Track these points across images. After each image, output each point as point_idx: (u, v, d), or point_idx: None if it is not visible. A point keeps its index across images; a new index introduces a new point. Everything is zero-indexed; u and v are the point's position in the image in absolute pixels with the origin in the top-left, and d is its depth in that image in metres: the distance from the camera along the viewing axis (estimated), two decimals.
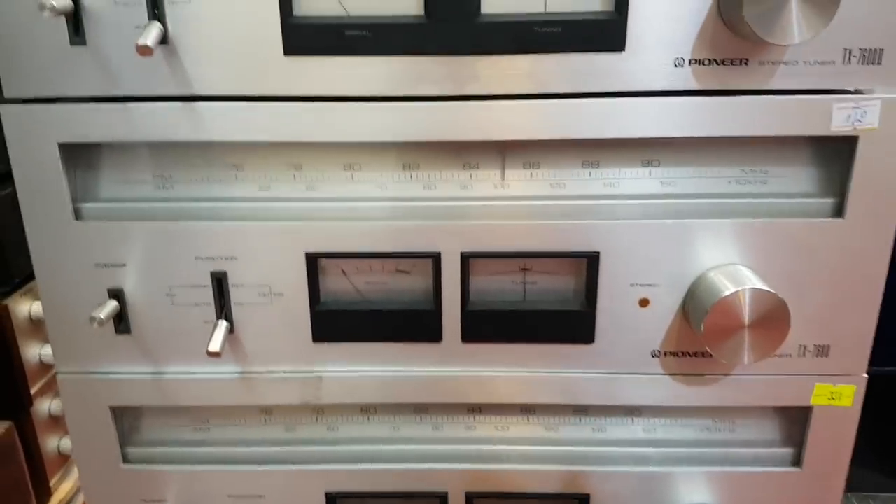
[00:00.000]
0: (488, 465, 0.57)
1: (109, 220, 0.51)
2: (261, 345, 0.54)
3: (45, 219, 0.50)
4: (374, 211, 0.52)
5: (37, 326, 1.06)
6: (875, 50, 0.46)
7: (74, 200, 0.51)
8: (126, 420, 0.57)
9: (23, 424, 1.05)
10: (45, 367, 1.08)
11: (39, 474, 1.03)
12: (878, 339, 0.53)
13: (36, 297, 1.06)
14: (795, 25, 0.42)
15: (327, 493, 0.57)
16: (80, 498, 1.07)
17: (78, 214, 0.51)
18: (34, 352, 1.07)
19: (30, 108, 0.48)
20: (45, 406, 1.10)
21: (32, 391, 1.06)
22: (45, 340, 1.09)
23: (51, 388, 1.10)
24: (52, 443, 1.06)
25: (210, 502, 0.57)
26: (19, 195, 0.50)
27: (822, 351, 0.53)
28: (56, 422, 1.12)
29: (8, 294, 1.02)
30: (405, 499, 0.58)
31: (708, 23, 0.45)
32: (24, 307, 1.05)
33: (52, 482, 1.04)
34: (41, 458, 1.03)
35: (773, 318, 0.47)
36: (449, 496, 0.57)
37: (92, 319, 0.49)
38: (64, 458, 1.07)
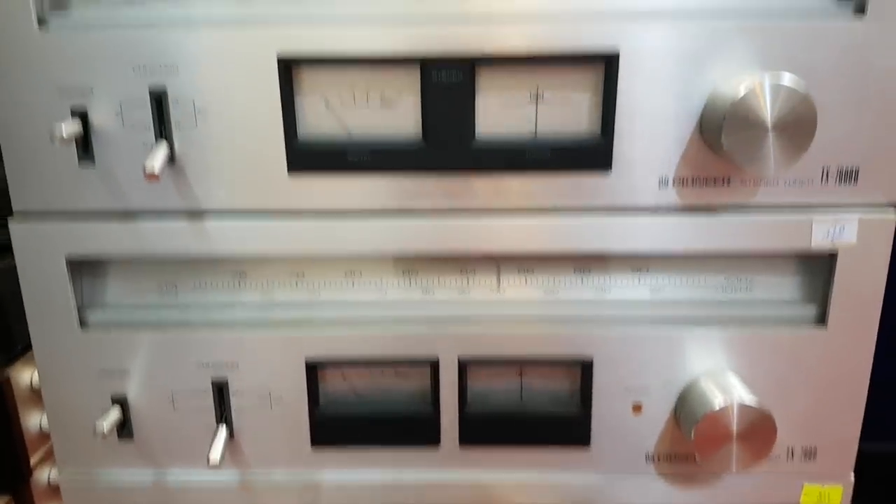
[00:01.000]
0: None
1: (114, 328, 0.53)
2: (260, 449, 0.55)
3: (50, 329, 0.52)
4: (373, 317, 0.53)
5: (38, 395, 1.07)
6: (852, 168, 0.48)
7: (80, 309, 0.52)
8: None
9: (22, 497, 1.05)
10: (45, 435, 1.08)
11: None
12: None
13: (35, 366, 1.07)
14: (772, 157, 0.44)
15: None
16: None
17: (83, 323, 0.52)
18: (35, 420, 1.07)
19: (38, 224, 0.50)
20: (44, 475, 1.10)
21: (32, 461, 1.06)
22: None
23: (50, 457, 1.10)
24: None
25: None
26: (26, 306, 0.52)
27: (809, 453, 0.54)
28: (55, 491, 1.11)
29: (10, 363, 1.03)
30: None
31: (691, 144, 0.48)
32: (26, 375, 1.05)
33: None
34: None
35: (759, 430, 0.48)
36: None
37: (95, 431, 0.50)
38: None
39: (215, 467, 0.50)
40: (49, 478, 1.10)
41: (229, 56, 0.46)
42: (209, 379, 0.53)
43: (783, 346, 0.52)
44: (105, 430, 0.50)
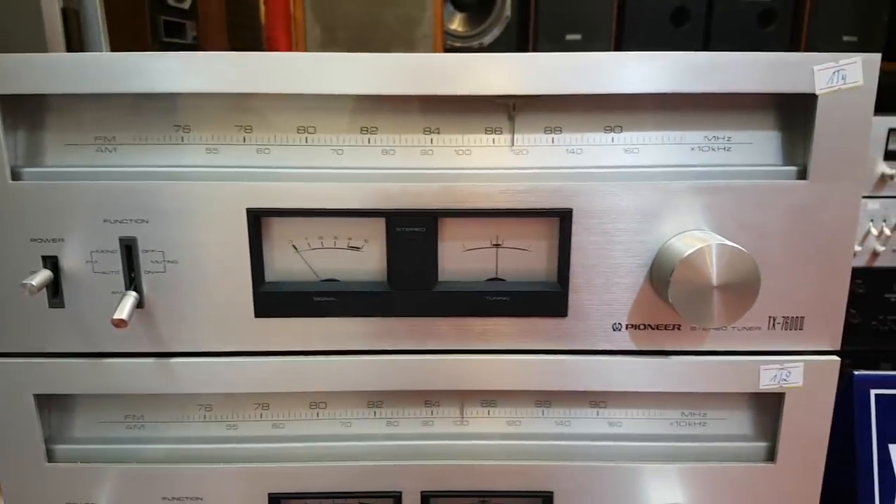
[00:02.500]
0: None
1: (81, 461, 0.53)
2: None
3: (17, 462, 0.52)
4: (337, 449, 0.54)
5: None
6: (797, 317, 0.50)
7: (47, 442, 0.53)
8: None
9: None
10: None
11: None
12: None
13: None
14: (716, 313, 0.46)
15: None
16: None
17: (50, 457, 0.53)
18: None
19: (6, 361, 0.51)
20: None
21: None
22: None
23: None
24: None
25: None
26: None
27: None
28: None
29: None
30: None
31: (642, 294, 0.50)
32: None
33: None
34: None
35: None
36: None
37: None
38: None
39: None
40: None
41: (199, 207, 0.48)
42: None
43: (735, 479, 0.53)
44: None
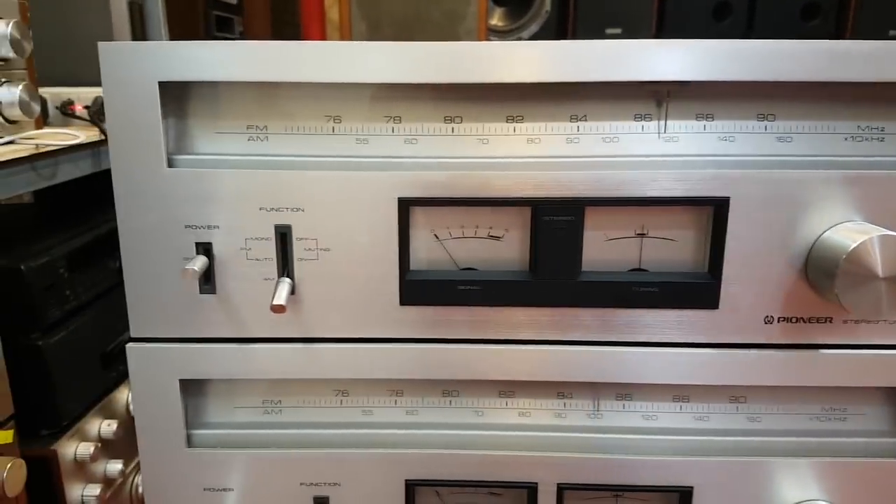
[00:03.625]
0: None
1: (219, 447, 0.54)
2: None
3: (159, 446, 0.53)
4: (470, 438, 0.54)
5: (80, 467, 1.08)
6: None
7: (187, 427, 0.53)
8: None
9: None
10: None
11: None
12: None
13: (83, 438, 1.08)
14: (885, 305, 0.46)
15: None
16: None
17: (190, 442, 0.53)
18: (76, 493, 1.08)
19: (155, 347, 0.51)
20: None
21: None
22: (88, 481, 1.10)
23: None
24: None
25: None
26: (137, 424, 0.53)
27: None
28: None
29: (56, 437, 1.04)
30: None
31: (795, 286, 0.49)
32: (71, 449, 1.07)
33: None
34: None
35: None
36: None
37: None
38: None
39: None
40: None
41: (351, 196, 0.48)
42: (310, 499, 0.54)
43: (875, 477, 0.52)
44: None
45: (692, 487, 0.53)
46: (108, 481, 1.10)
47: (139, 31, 1.54)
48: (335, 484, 0.54)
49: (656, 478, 0.53)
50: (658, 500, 0.55)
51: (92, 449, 1.07)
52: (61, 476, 1.04)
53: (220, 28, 1.88)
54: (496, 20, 2.07)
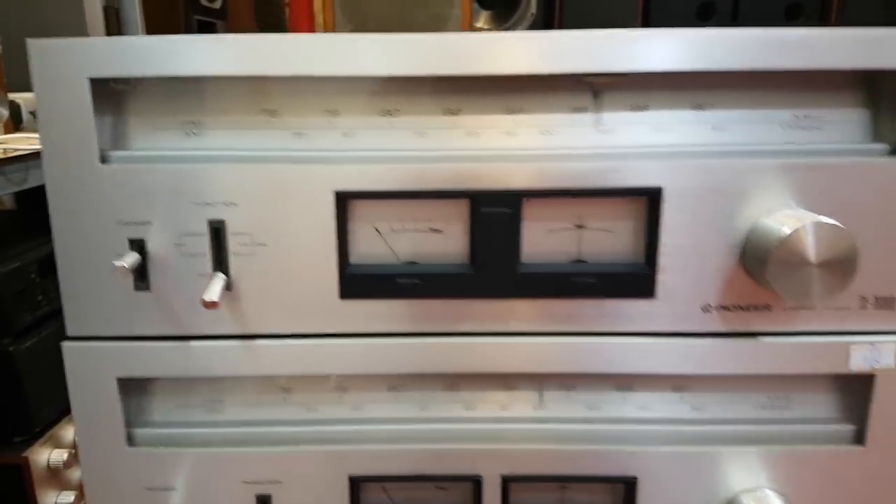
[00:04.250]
0: None
1: (160, 446, 0.53)
2: None
3: (99, 446, 0.53)
4: (416, 433, 0.54)
5: (54, 474, 1.07)
6: (889, 297, 0.49)
7: (128, 426, 0.53)
8: None
9: None
10: None
11: None
12: None
13: (56, 445, 1.07)
14: (815, 290, 0.46)
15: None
16: None
17: (131, 440, 0.53)
18: (50, 500, 1.07)
19: (91, 345, 0.51)
20: None
21: None
22: (62, 488, 1.10)
23: None
24: None
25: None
26: (75, 422, 0.52)
27: None
28: None
29: (28, 444, 1.04)
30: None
31: (732, 274, 0.49)
32: (43, 456, 1.06)
33: None
34: None
35: None
36: None
37: None
38: None
39: None
40: None
41: (287, 190, 0.48)
42: (253, 497, 0.53)
43: (821, 463, 0.52)
44: None
45: (636, 477, 0.53)
46: (82, 488, 1.10)
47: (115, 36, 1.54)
48: (277, 482, 0.53)
49: (600, 468, 0.53)
50: (604, 491, 0.55)
51: (65, 455, 1.06)
52: (33, 483, 1.03)
53: (203, 32, 1.88)
54: (482, 23, 2.08)
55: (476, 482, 0.53)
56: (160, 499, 0.53)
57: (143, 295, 0.50)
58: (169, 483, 0.53)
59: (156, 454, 0.53)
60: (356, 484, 0.54)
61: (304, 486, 0.53)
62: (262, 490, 0.53)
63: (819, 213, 0.46)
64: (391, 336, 0.51)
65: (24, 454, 1.02)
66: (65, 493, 1.09)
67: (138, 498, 0.53)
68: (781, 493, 0.52)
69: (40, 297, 1.06)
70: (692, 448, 0.53)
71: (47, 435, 1.07)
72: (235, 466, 0.53)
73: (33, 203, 1.28)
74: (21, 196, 1.08)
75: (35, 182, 1.07)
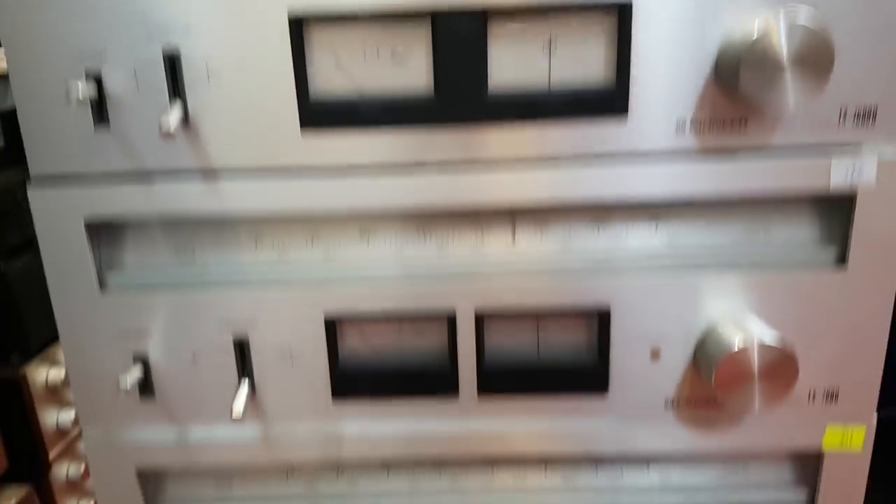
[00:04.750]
0: None
1: (133, 290, 0.53)
2: (281, 404, 0.55)
3: (70, 292, 0.52)
4: (389, 274, 0.53)
5: (53, 393, 1.08)
6: (869, 109, 0.48)
7: (99, 273, 0.53)
8: (150, 482, 0.59)
9: (42, 489, 1.06)
10: (61, 432, 1.09)
11: None
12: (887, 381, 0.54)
13: (52, 364, 1.08)
14: (790, 94, 0.44)
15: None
16: None
17: (103, 286, 0.53)
18: (51, 418, 1.08)
19: (56, 189, 0.50)
20: (63, 471, 1.11)
21: (51, 455, 1.07)
22: (62, 406, 1.10)
23: (68, 454, 1.11)
24: None
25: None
26: (46, 270, 0.52)
27: (832, 395, 0.53)
28: (75, 486, 1.12)
29: (26, 362, 1.04)
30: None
31: (707, 87, 0.47)
32: (42, 374, 1.06)
33: None
34: None
35: (781, 368, 0.48)
36: None
37: (120, 388, 0.50)
38: None
39: (238, 420, 0.51)
40: (68, 473, 1.10)
41: (240, 15, 0.46)
42: (230, 337, 0.53)
43: (802, 288, 0.51)
44: (128, 386, 0.51)
45: (609, 307, 0.52)
46: None
47: None
48: (253, 322, 0.53)
49: (574, 300, 0.52)
50: (578, 326, 0.54)
51: (64, 374, 1.06)
52: (32, 400, 1.04)
53: None
54: None
55: (450, 318, 0.53)
56: (135, 341, 0.53)
57: (103, 132, 0.49)
58: (144, 326, 0.53)
59: (129, 298, 0.53)
60: (332, 324, 0.53)
61: (281, 327, 0.53)
62: (238, 330, 0.53)
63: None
64: (357, 170, 0.50)
65: (21, 371, 1.02)
66: (66, 410, 1.10)
67: (113, 341, 0.54)
68: (762, 319, 0.51)
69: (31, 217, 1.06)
70: (668, 278, 0.52)
71: (44, 353, 1.07)
72: (209, 308, 0.53)
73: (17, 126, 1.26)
74: (4, 117, 1.07)
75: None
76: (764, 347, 0.48)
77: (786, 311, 0.52)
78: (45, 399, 1.08)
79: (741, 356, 0.48)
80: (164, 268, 0.54)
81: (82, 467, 1.09)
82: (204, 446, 0.56)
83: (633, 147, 0.49)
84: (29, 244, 1.02)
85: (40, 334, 1.05)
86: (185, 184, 0.50)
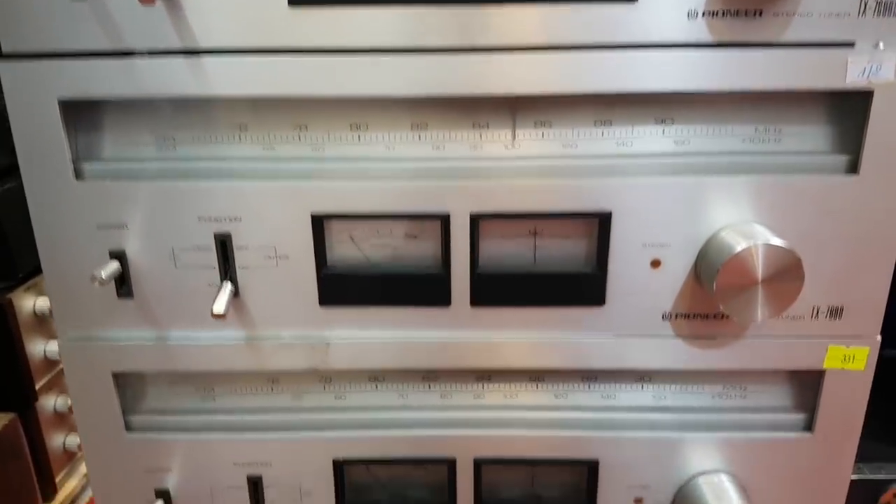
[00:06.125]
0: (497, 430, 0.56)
1: (111, 180, 0.50)
2: (266, 308, 0.53)
3: (45, 179, 0.50)
4: (381, 171, 0.51)
5: (41, 322, 1.05)
6: (890, 1, 0.45)
7: (75, 161, 0.50)
8: (129, 388, 0.56)
9: (28, 420, 1.04)
10: (49, 362, 1.07)
11: (45, 470, 1.02)
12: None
13: (40, 293, 1.05)
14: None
15: (334, 460, 0.56)
16: (87, 495, 1.06)
17: (79, 174, 0.50)
18: (38, 348, 1.06)
19: (29, 65, 0.47)
20: (50, 402, 1.09)
21: (37, 386, 1.05)
22: (50, 336, 1.08)
23: (56, 385, 1.09)
24: (57, 440, 1.05)
25: (215, 470, 0.56)
26: (18, 156, 0.49)
27: (836, 313, 0.51)
28: (62, 419, 1.11)
29: (12, 289, 1.02)
30: (413, 465, 0.56)
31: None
32: (29, 302, 1.04)
33: (58, 479, 1.02)
34: (46, 454, 1.02)
35: (786, 273, 0.46)
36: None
37: (93, 278, 0.48)
38: (70, 455, 1.05)
39: (220, 319, 0.48)
40: (55, 405, 1.09)
41: None
42: (211, 234, 0.51)
43: (812, 195, 0.49)
44: (103, 276, 0.48)
45: (610, 212, 0.50)
46: None
47: None
48: (236, 219, 0.51)
49: (573, 205, 0.50)
50: (578, 228, 0.52)
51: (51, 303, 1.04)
52: (18, 327, 1.01)
53: None
54: None
55: (444, 220, 0.50)
56: (113, 235, 0.51)
57: (79, 4, 0.46)
58: (122, 220, 0.51)
59: (106, 188, 0.50)
60: (319, 222, 0.51)
61: (265, 224, 0.51)
62: (221, 228, 0.51)
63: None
64: (348, 52, 0.47)
65: (7, 297, 1.00)
66: (53, 341, 1.08)
67: (89, 235, 0.51)
68: (768, 226, 0.49)
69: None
70: (673, 181, 0.49)
71: (32, 282, 1.05)
72: (191, 202, 0.51)
73: None
74: None
75: None
76: (769, 248, 0.45)
77: (793, 219, 0.49)
78: (32, 327, 1.05)
79: (745, 257, 0.46)
80: (144, 159, 0.51)
81: (70, 400, 1.08)
82: (183, 350, 0.54)
83: (642, 36, 0.46)
84: (14, 168, 0.99)
85: (27, 262, 1.03)
86: (165, 63, 0.47)
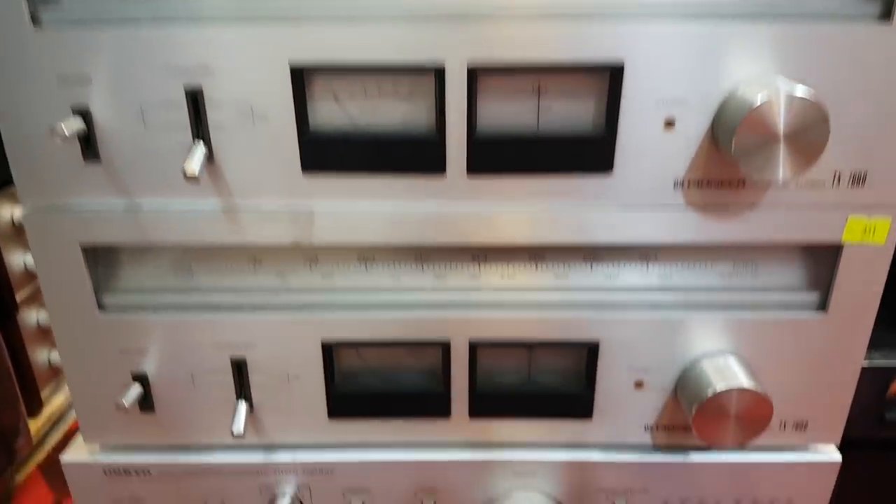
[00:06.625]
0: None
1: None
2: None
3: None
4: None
5: (20, 232, 1.02)
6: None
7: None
8: (101, 264, 0.53)
9: (10, 333, 1.01)
10: (30, 275, 1.04)
11: (29, 385, 1.00)
12: None
13: (17, 202, 1.02)
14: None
15: (323, 342, 0.54)
16: (73, 413, 1.04)
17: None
18: (18, 259, 1.02)
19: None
20: (32, 317, 1.06)
21: (18, 297, 1.02)
22: (26, 248, 1.05)
23: (38, 299, 1.06)
24: (41, 355, 1.02)
25: (196, 353, 0.54)
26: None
27: (859, 178, 0.48)
28: (45, 334, 1.08)
29: None
30: (406, 349, 0.55)
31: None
32: (6, 212, 1.00)
33: (44, 395, 1.00)
34: (31, 369, 1.00)
35: (811, 127, 0.43)
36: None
37: (52, 132, 0.44)
38: (55, 371, 1.03)
39: (193, 182, 0.46)
40: (38, 320, 1.06)
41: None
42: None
43: (839, 42, 0.45)
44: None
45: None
46: None
47: None
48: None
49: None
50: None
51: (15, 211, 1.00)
52: None
53: None
54: None
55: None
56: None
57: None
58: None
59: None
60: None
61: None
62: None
63: None
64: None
65: None
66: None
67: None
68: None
69: None
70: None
71: (9, 189, 1.01)
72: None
73: None
74: None
75: None
76: (792, 99, 0.41)
77: (817, 70, 0.45)
78: (10, 237, 1.02)
79: (766, 110, 0.42)
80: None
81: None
82: (156, 219, 0.50)
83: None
84: None
85: (3, 170, 0.99)
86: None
